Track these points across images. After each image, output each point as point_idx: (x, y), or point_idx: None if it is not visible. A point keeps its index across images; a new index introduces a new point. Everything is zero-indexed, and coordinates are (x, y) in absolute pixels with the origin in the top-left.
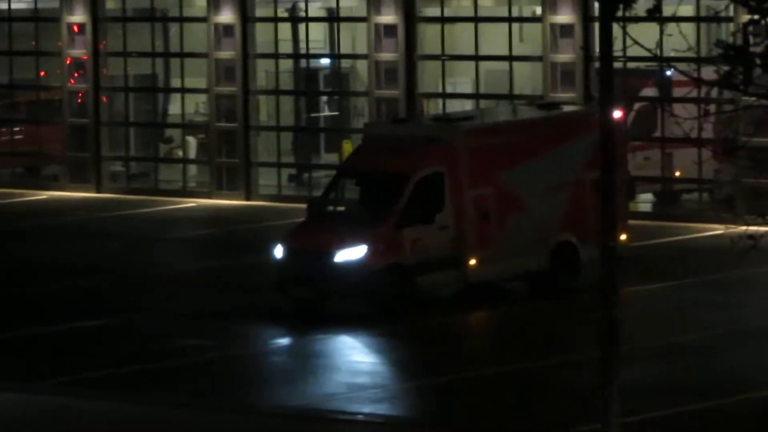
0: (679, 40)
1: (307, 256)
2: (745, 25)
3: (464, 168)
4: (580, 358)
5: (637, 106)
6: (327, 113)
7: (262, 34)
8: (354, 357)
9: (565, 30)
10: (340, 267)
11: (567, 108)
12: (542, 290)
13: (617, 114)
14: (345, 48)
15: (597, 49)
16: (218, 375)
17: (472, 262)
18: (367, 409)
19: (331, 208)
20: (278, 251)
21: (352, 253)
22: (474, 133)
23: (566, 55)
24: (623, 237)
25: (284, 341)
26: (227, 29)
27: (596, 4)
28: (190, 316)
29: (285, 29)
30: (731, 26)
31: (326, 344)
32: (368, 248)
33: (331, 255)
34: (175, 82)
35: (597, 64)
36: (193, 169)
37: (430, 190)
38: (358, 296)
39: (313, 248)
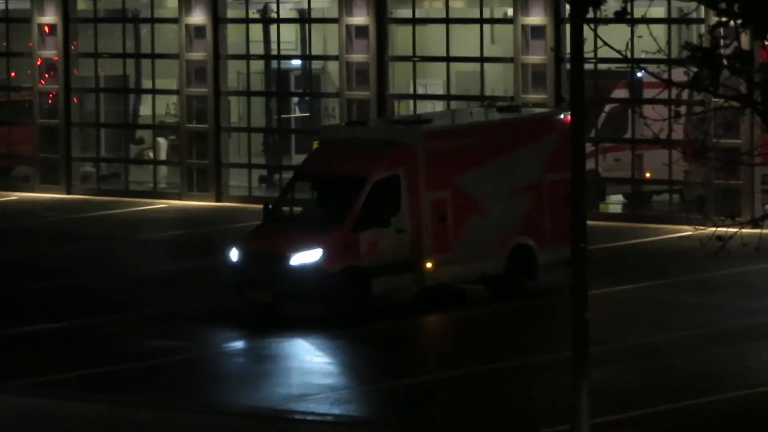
0: (649, 41)
1: (263, 259)
2: (713, 27)
3: (422, 171)
4: (541, 360)
5: (607, 107)
6: (298, 114)
7: (233, 35)
8: (311, 360)
9: (536, 31)
10: (295, 270)
11: (526, 111)
12: (500, 293)
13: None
14: (316, 49)
15: (568, 51)
16: (179, 376)
17: (429, 265)
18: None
19: (287, 210)
20: (234, 254)
21: (307, 256)
22: (432, 136)
23: (537, 56)
24: None
25: (241, 344)
26: (198, 30)
27: (567, 6)
28: (157, 318)
29: (256, 30)
30: (702, 28)
31: (283, 347)
32: (324, 251)
33: (287, 258)
34: (146, 84)
35: (568, 66)
36: (163, 170)
37: (386, 193)
38: (315, 299)
39: (269, 251)
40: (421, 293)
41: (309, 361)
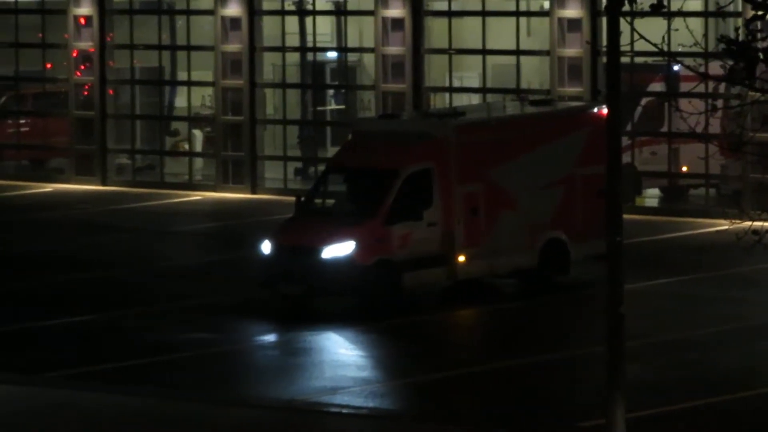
0: (686, 35)
1: (295, 252)
2: (749, 20)
3: (454, 164)
4: (575, 355)
5: (644, 101)
6: (333, 107)
7: (269, 27)
8: (342, 353)
9: (573, 24)
10: (327, 263)
11: (559, 104)
12: (532, 287)
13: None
14: (352, 41)
15: (604, 44)
16: (212, 369)
17: (461, 258)
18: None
19: (319, 204)
20: (266, 247)
21: (339, 250)
22: (464, 129)
23: (573, 49)
24: None
25: (272, 337)
26: (234, 22)
27: None
28: (189, 310)
29: (292, 22)
30: (739, 21)
31: (314, 340)
32: (356, 244)
33: (319, 251)
34: (182, 75)
35: (604, 59)
36: (199, 162)
37: (419, 187)
38: (346, 293)
39: (301, 244)
40: (452, 287)
41: (341, 355)
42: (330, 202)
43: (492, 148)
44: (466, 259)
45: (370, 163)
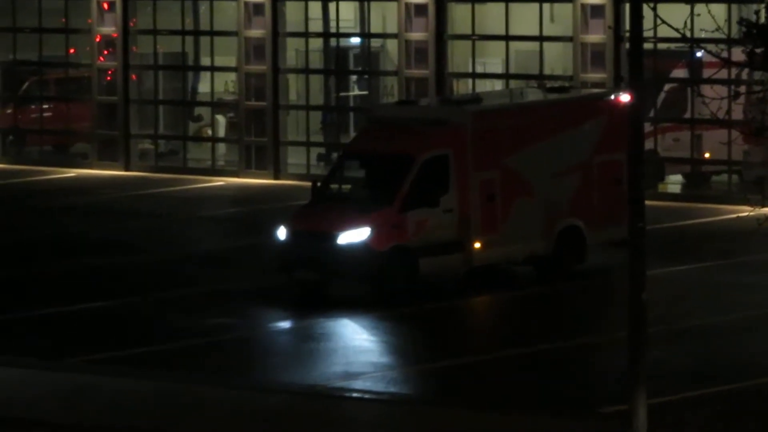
0: (708, 20)
1: (311, 238)
2: None
3: (470, 151)
4: (593, 341)
5: (666, 87)
6: (356, 92)
7: (292, 12)
8: (358, 340)
9: (596, 10)
10: (343, 249)
11: (576, 91)
12: (548, 275)
13: (626, 97)
14: (375, 27)
15: (627, 30)
16: (230, 354)
17: (477, 245)
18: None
19: (335, 190)
20: (281, 233)
21: (355, 236)
22: (481, 116)
23: (596, 35)
24: None
25: (288, 323)
26: (257, 7)
27: None
28: (208, 296)
29: (315, 8)
30: (762, 7)
31: (330, 326)
32: (372, 230)
33: (334, 237)
34: (205, 61)
35: (627, 45)
36: (221, 147)
37: (435, 173)
38: (362, 279)
39: (317, 230)
40: (469, 273)
41: (356, 341)
42: (346, 188)
43: (509, 135)
44: (482, 245)
45: (386, 149)
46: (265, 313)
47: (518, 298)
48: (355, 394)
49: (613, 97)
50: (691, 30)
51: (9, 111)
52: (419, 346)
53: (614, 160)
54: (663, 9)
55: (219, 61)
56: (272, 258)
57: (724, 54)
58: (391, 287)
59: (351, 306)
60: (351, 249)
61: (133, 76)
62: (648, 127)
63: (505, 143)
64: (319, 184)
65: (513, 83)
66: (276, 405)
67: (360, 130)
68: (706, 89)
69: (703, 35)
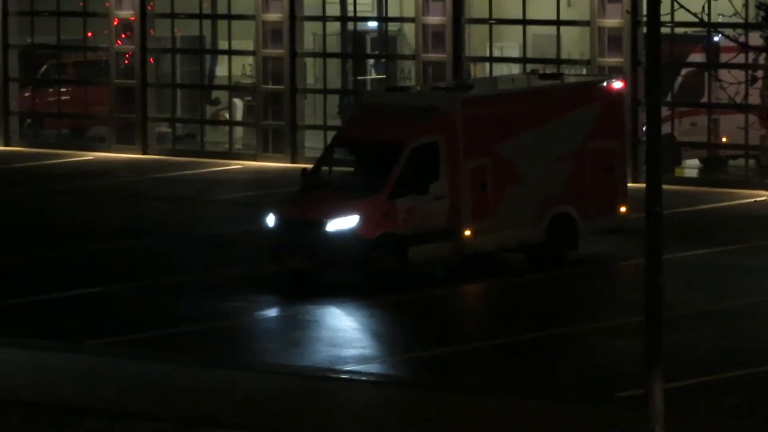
0: (726, 5)
1: (299, 226)
2: None
3: (461, 138)
4: (585, 329)
5: (683, 71)
6: (374, 76)
7: None
8: (346, 327)
9: None
10: (331, 237)
11: (569, 78)
12: (540, 262)
13: (619, 84)
14: (392, 11)
15: (644, 14)
16: (214, 342)
17: (467, 233)
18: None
19: (325, 176)
20: (270, 220)
21: (344, 223)
22: (471, 103)
23: (614, 19)
24: (623, 209)
25: (275, 311)
26: None
27: None
28: (205, 282)
29: None
30: None
31: (318, 314)
32: (361, 218)
33: (323, 224)
34: (222, 44)
35: (644, 29)
36: (239, 131)
37: (425, 160)
38: (351, 267)
39: (305, 218)
40: (459, 261)
41: (344, 329)
42: (336, 175)
43: (500, 122)
44: (473, 233)
45: (376, 136)
46: (254, 300)
47: (509, 286)
48: (352, 377)
49: (605, 83)
50: (709, 14)
51: (27, 94)
52: (408, 334)
53: (607, 147)
54: None
55: (236, 45)
56: (262, 245)
57: (742, 39)
58: (381, 275)
59: (339, 294)
60: (340, 237)
61: (151, 60)
62: (665, 111)
63: (496, 130)
64: (308, 170)
65: (530, 67)
66: (295, 388)
67: (350, 116)
68: (724, 74)
69: (720, 20)
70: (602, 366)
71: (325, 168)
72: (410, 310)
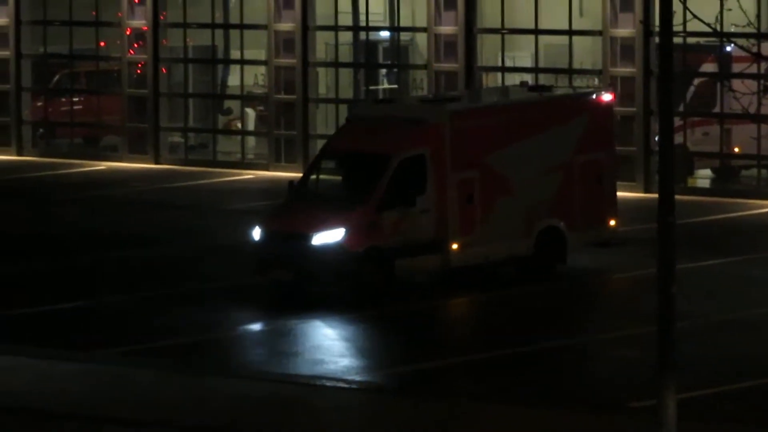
0: (739, 15)
1: (285, 239)
2: None
3: (449, 150)
4: (577, 342)
5: (696, 81)
6: (386, 86)
7: (321, 5)
8: (329, 341)
9: (625, 4)
10: (317, 250)
11: (558, 90)
12: (528, 276)
13: (608, 96)
14: (405, 21)
15: (657, 24)
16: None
17: (455, 246)
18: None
19: (312, 189)
20: (256, 233)
21: (329, 236)
22: (460, 115)
23: (626, 29)
24: (612, 222)
25: (259, 324)
26: (287, 1)
27: None
28: (192, 294)
29: (345, 1)
30: None
31: (302, 328)
32: (346, 231)
33: (309, 237)
34: (235, 54)
35: (657, 39)
36: (251, 140)
37: (412, 173)
38: (336, 280)
39: (291, 230)
40: (446, 275)
41: (328, 342)
42: (323, 187)
43: (488, 134)
44: (460, 246)
45: (362, 148)
46: (239, 313)
47: (496, 299)
48: (337, 384)
49: (595, 96)
50: (721, 24)
51: (39, 104)
52: (395, 348)
53: (596, 159)
54: (693, 3)
55: (249, 55)
56: (248, 258)
57: (755, 49)
58: (367, 288)
59: (325, 307)
60: (326, 249)
61: (163, 69)
62: (677, 121)
63: (484, 142)
64: (295, 183)
65: (543, 76)
66: (260, 392)
67: (339, 129)
68: (737, 84)
69: (733, 30)
70: (604, 376)
71: (312, 180)
72: (395, 324)
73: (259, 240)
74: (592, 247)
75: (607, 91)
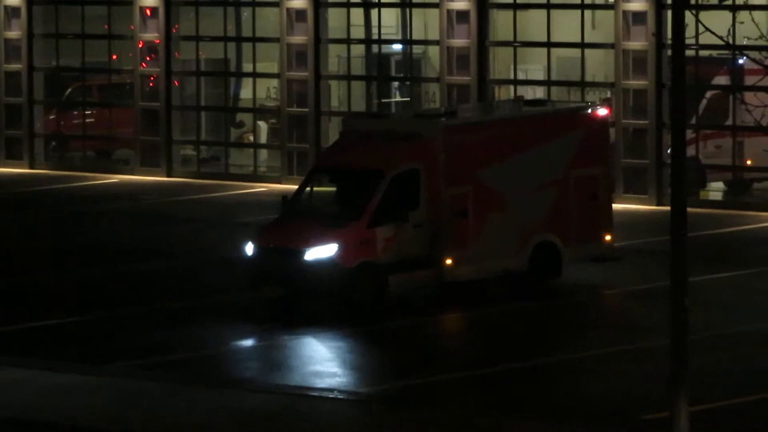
0: (751, 27)
1: (278, 254)
2: None
3: (442, 165)
4: (569, 358)
5: (708, 94)
6: (398, 99)
7: (334, 19)
8: (322, 358)
9: (638, 17)
10: (310, 265)
11: (553, 105)
12: (522, 291)
13: (603, 111)
14: (417, 34)
15: (669, 37)
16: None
17: (449, 261)
18: None
19: (305, 204)
20: (249, 248)
21: (322, 252)
22: (453, 130)
23: (638, 42)
24: (608, 237)
25: (251, 341)
26: (299, 14)
27: None
28: (190, 309)
29: (357, 14)
30: None
31: (295, 344)
32: (339, 246)
33: (302, 253)
34: (247, 67)
35: (669, 52)
36: (263, 153)
37: (405, 188)
38: (329, 296)
39: (284, 246)
40: (440, 290)
41: (320, 359)
42: (316, 202)
43: (482, 149)
44: (454, 261)
45: (355, 163)
46: (230, 330)
47: (490, 315)
48: (330, 395)
49: (590, 110)
50: (734, 37)
51: (52, 117)
52: (386, 364)
53: (591, 174)
54: (705, 16)
55: (261, 68)
56: (241, 273)
57: (767, 62)
58: (359, 304)
59: (318, 323)
60: (318, 265)
61: (176, 82)
62: (690, 134)
63: (478, 157)
64: (288, 198)
65: (555, 89)
66: (254, 404)
67: (332, 143)
68: (749, 96)
69: (745, 42)
70: (608, 391)
71: (305, 195)
72: (389, 340)
73: (252, 255)
74: (587, 263)
75: (602, 105)
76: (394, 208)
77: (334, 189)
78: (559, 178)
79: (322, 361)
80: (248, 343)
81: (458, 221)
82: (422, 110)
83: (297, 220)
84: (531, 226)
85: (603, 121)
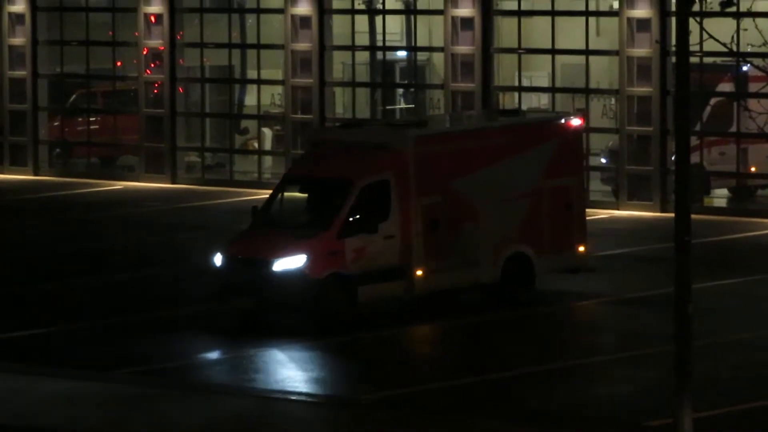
0: (755, 34)
1: (246, 265)
2: None
3: (413, 176)
4: (542, 369)
5: (712, 101)
6: (403, 106)
7: (338, 26)
8: (289, 370)
9: (642, 24)
10: (278, 276)
11: (527, 115)
12: (494, 303)
13: (577, 121)
14: (421, 41)
15: (673, 44)
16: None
17: (419, 272)
18: None
19: (275, 215)
20: (218, 259)
21: (291, 263)
22: (424, 140)
23: (643, 49)
24: (582, 248)
25: (217, 353)
26: (304, 21)
27: None
28: (157, 320)
29: (362, 21)
30: None
31: (262, 357)
32: (308, 257)
33: (270, 264)
34: (252, 74)
35: (673, 59)
36: (268, 160)
37: (375, 199)
38: (298, 307)
39: (253, 256)
40: (411, 302)
41: (287, 372)
42: (285, 213)
43: (454, 160)
44: (425, 273)
45: (325, 173)
46: (197, 342)
47: (461, 327)
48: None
49: (563, 121)
50: (738, 44)
51: (56, 123)
52: (354, 378)
53: (565, 185)
54: (709, 23)
55: (265, 74)
56: (208, 284)
57: None
58: (328, 316)
59: (286, 335)
60: (287, 276)
61: (180, 89)
62: (694, 140)
63: (449, 168)
64: (258, 208)
65: (559, 96)
66: (234, 408)
67: (302, 153)
68: (753, 103)
69: (749, 49)
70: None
71: (275, 205)
72: (357, 353)
73: (221, 266)
74: (561, 274)
75: (576, 116)
76: (364, 219)
77: (304, 199)
78: (532, 189)
79: (290, 374)
80: (214, 355)
81: (429, 232)
82: (394, 120)
83: (266, 230)
84: (503, 237)
85: (577, 131)
